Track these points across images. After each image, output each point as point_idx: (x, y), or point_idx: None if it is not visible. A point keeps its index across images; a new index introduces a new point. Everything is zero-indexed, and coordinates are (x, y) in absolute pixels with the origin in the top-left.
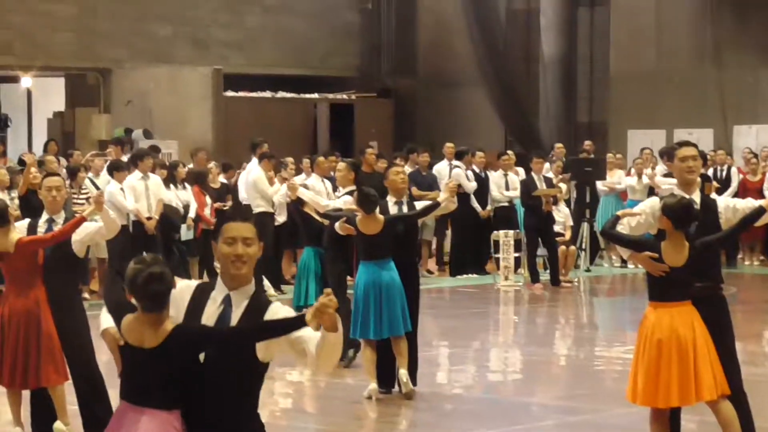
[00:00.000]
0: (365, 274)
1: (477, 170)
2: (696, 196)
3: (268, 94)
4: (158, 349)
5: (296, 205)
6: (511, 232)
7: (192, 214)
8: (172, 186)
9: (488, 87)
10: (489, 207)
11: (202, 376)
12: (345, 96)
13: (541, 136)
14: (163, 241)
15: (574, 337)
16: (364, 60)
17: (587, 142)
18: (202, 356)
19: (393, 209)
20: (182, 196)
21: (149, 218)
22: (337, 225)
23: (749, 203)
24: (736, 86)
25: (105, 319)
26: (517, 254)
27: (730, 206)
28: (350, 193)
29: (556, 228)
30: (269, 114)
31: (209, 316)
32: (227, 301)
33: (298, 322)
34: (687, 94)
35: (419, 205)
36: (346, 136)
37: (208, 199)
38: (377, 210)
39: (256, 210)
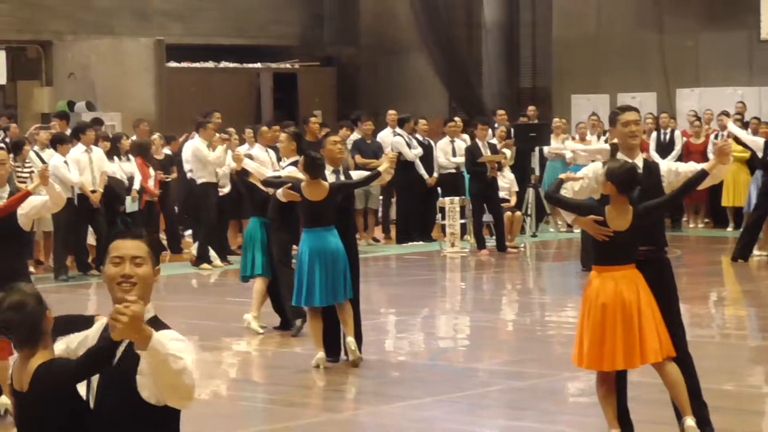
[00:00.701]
0: (309, 241)
1: (420, 138)
2: (639, 161)
3: (210, 64)
4: (28, 392)
5: (241, 175)
6: (456, 198)
7: (136, 185)
8: (115, 158)
9: (431, 54)
10: (435, 174)
11: (93, 424)
12: (288, 65)
13: (484, 102)
14: (108, 213)
15: (521, 303)
16: (307, 29)
17: (530, 108)
18: (92, 401)
19: (330, 178)
20: (126, 168)
21: (93, 191)
22: (279, 191)
23: (691, 167)
24: (677, 50)
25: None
26: (463, 221)
27: (672, 170)
28: (294, 163)
29: (502, 194)
30: (212, 84)
31: None
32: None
33: (108, 346)
34: (629, 58)
35: (356, 174)
36: (290, 105)
37: (151, 171)
38: (322, 175)
39: (199, 181)
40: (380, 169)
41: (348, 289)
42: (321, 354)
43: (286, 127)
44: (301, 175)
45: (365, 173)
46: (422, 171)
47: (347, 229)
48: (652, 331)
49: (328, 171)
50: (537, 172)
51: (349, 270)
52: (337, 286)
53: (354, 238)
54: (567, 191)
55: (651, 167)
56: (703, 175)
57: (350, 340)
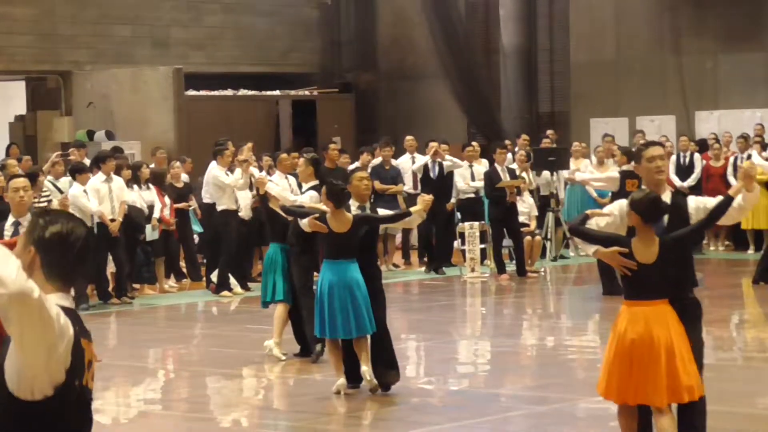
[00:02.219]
0: (330, 272)
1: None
2: (666, 197)
3: (229, 92)
4: None
5: (263, 201)
6: (476, 223)
7: (156, 214)
8: (135, 186)
9: (449, 79)
10: (453, 199)
11: None
12: (307, 92)
13: (503, 127)
14: (128, 242)
15: (542, 327)
16: (325, 56)
17: (549, 131)
18: None
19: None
20: (146, 197)
21: (113, 220)
22: (304, 222)
23: (719, 200)
24: (696, 72)
25: None
26: (482, 246)
27: (701, 207)
28: (314, 187)
29: (521, 218)
30: (231, 112)
31: None
32: None
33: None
34: (648, 81)
35: (383, 211)
36: (309, 132)
37: (166, 200)
38: (346, 206)
39: (219, 208)
40: (412, 210)
41: (372, 321)
42: (342, 380)
43: (305, 153)
44: (321, 205)
45: (389, 212)
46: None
47: (370, 260)
48: (683, 370)
49: (354, 207)
50: (561, 196)
51: (371, 301)
52: (360, 318)
53: (377, 269)
54: (592, 227)
55: (678, 204)
56: (728, 201)
57: (365, 369)
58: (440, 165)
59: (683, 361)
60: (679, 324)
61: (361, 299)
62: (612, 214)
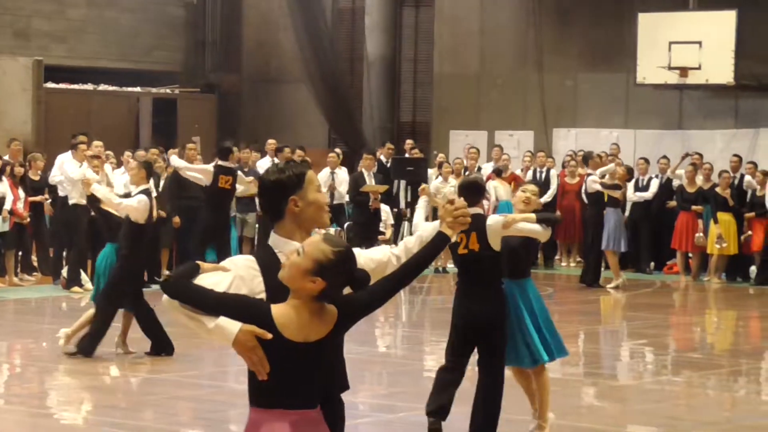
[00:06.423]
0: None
1: None
2: None
3: (89, 86)
4: (327, 339)
5: (92, 201)
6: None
7: (7, 206)
8: None
9: (313, 85)
10: None
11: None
12: (168, 90)
13: (365, 134)
14: None
15: (394, 335)
16: (189, 55)
17: (408, 141)
18: None
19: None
20: None
21: None
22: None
23: None
24: (556, 90)
25: (226, 321)
26: None
27: None
28: (143, 191)
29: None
30: (91, 107)
31: None
32: None
33: (439, 240)
34: (509, 96)
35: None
36: (169, 130)
37: (21, 193)
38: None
39: (70, 202)
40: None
41: (528, 354)
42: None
43: (159, 154)
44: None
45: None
46: None
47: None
48: None
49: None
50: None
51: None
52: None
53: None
54: None
55: None
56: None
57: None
58: None
59: None
60: None
61: (515, 325)
62: None
